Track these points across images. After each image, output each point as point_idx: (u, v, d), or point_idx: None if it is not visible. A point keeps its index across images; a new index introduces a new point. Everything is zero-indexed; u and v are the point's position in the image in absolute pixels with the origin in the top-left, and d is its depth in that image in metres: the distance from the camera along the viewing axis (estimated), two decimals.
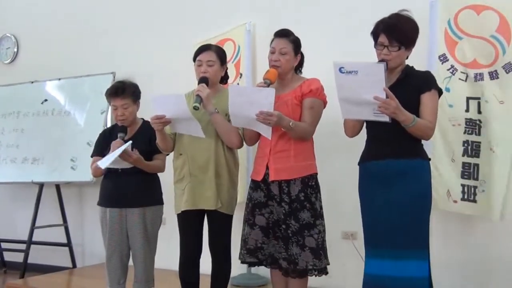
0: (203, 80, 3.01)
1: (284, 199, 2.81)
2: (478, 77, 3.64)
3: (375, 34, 2.64)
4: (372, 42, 2.69)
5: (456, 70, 3.69)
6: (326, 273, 2.87)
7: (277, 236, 2.84)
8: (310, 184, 2.85)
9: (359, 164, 2.72)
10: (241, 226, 3.02)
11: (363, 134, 2.73)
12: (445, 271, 3.85)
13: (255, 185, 2.94)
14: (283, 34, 2.95)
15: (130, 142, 3.21)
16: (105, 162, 3.15)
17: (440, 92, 2.65)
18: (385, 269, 2.54)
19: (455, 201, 3.67)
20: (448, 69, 3.71)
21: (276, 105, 2.71)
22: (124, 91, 3.38)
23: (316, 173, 2.92)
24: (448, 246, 3.89)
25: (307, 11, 4.42)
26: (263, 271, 3.03)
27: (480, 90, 3.63)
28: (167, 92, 3.02)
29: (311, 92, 2.86)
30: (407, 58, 2.67)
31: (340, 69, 2.44)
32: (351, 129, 2.75)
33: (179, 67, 4.72)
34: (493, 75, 3.61)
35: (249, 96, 2.74)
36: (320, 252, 2.82)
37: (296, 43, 2.96)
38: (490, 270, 3.78)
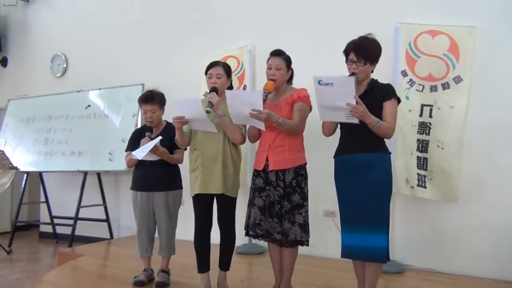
0: (213, 89, 3.02)
1: (280, 184, 2.81)
2: (433, 89, 3.66)
3: (346, 52, 2.64)
4: (343, 57, 2.68)
5: (414, 82, 3.71)
6: (307, 245, 2.86)
7: (272, 215, 2.83)
8: (301, 173, 2.85)
9: (334, 157, 2.72)
10: (243, 207, 3.02)
11: (339, 133, 2.73)
12: (405, 241, 3.87)
13: (257, 173, 2.93)
14: (278, 53, 2.95)
15: (160, 137, 3.22)
16: (139, 154, 3.18)
17: (398, 101, 2.64)
18: (356, 240, 2.55)
19: (412, 187, 3.69)
20: (408, 82, 3.73)
21: (273, 111, 2.74)
22: (153, 99, 3.40)
23: (306, 163, 2.91)
24: (408, 222, 3.90)
25: (296, 36, 4.44)
26: (262, 241, 3.02)
27: (434, 99, 3.64)
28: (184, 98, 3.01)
29: (299, 98, 2.87)
30: (372, 72, 2.66)
31: (319, 82, 2.43)
32: (328, 129, 2.75)
33: (194, 78, 4.73)
34: (445, 86, 3.63)
35: (242, 98, 2.74)
36: (306, 227, 2.83)
37: (288, 61, 2.95)
38: (439, 240, 3.80)
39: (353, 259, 2.67)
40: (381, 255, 2.52)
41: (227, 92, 2.81)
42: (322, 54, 4.19)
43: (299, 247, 2.90)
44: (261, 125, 2.75)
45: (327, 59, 3.94)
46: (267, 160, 2.86)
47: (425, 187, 3.64)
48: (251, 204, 2.93)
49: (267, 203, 2.84)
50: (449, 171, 3.56)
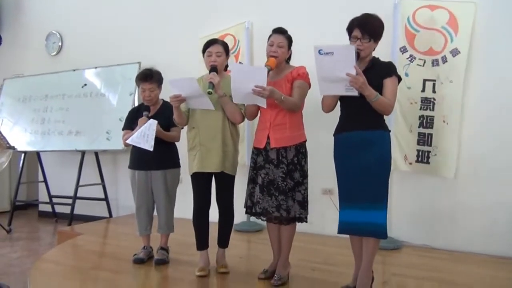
0: (213, 69, 2.98)
1: (284, 162, 2.79)
2: (435, 63, 3.64)
3: (350, 29, 2.59)
4: (342, 35, 2.64)
5: (415, 58, 3.68)
6: (306, 221, 2.88)
7: (271, 193, 2.81)
8: (301, 151, 2.84)
9: (334, 135, 2.69)
10: (241, 185, 3.01)
11: (338, 112, 2.71)
12: (402, 218, 3.90)
13: (257, 152, 2.91)
14: (281, 31, 2.90)
15: (156, 121, 3.19)
16: (147, 144, 3.13)
17: (399, 79, 2.61)
18: (354, 217, 2.55)
19: (410, 163, 3.70)
20: (407, 58, 3.69)
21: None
22: (152, 77, 3.36)
23: (306, 140, 2.89)
24: (405, 200, 3.92)
25: (294, 13, 4.39)
26: (260, 219, 3.03)
27: (436, 73, 3.62)
28: (181, 77, 2.97)
29: (299, 76, 2.84)
30: (373, 50, 2.63)
31: (319, 51, 2.39)
32: (327, 106, 2.70)
33: (190, 57, 4.69)
34: (444, 59, 3.61)
35: (247, 73, 2.71)
36: (305, 204, 2.83)
37: (290, 40, 2.92)
38: (436, 217, 3.83)
39: (352, 234, 2.67)
40: (380, 231, 2.53)
41: (233, 65, 2.77)
42: (321, 31, 4.13)
43: (298, 224, 2.91)
44: (262, 102, 2.72)
45: (326, 36, 3.90)
46: (268, 138, 2.85)
47: (428, 162, 3.64)
48: (252, 182, 2.92)
49: (265, 181, 2.83)
50: (452, 147, 3.58)
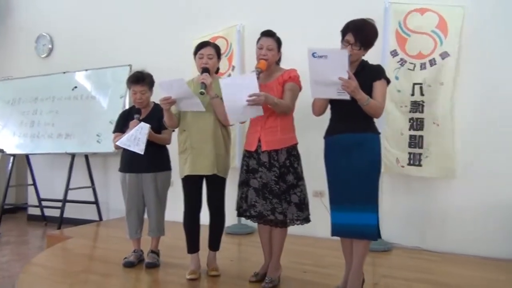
0: (205, 70, 2.98)
1: (275, 165, 2.80)
2: (422, 66, 3.68)
3: (344, 32, 2.60)
4: (332, 39, 2.64)
5: (405, 61, 3.72)
6: (309, 221, 2.88)
7: (265, 197, 2.81)
8: (293, 153, 2.85)
9: (324, 137, 2.70)
10: (232, 187, 3.01)
11: (328, 115, 2.71)
12: (393, 220, 3.92)
13: (249, 155, 2.91)
14: (270, 34, 2.91)
15: (149, 125, 3.20)
16: (137, 147, 3.16)
17: (388, 82, 2.62)
18: (345, 219, 2.56)
19: (402, 166, 3.72)
20: (398, 62, 3.73)
21: (265, 91, 2.70)
22: (143, 80, 3.35)
23: (297, 143, 2.90)
24: (395, 202, 3.94)
25: (285, 17, 4.41)
26: (251, 221, 3.03)
27: (423, 77, 3.66)
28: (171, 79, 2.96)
29: (290, 78, 2.85)
30: (363, 55, 2.63)
31: (313, 54, 2.38)
32: (318, 109, 2.70)
33: (181, 59, 4.68)
34: (432, 62, 3.66)
35: (237, 85, 2.70)
36: (302, 206, 2.83)
37: (279, 42, 2.92)
38: (427, 219, 3.86)
39: (343, 237, 2.68)
40: (371, 233, 2.54)
41: (221, 82, 2.76)
42: (312, 34, 4.16)
43: (294, 226, 2.89)
44: (259, 112, 2.72)
45: (317, 39, 3.93)
46: (259, 141, 2.84)
47: (420, 165, 3.67)
48: (246, 185, 2.92)
49: (261, 184, 2.83)
50: (445, 148, 3.61)
